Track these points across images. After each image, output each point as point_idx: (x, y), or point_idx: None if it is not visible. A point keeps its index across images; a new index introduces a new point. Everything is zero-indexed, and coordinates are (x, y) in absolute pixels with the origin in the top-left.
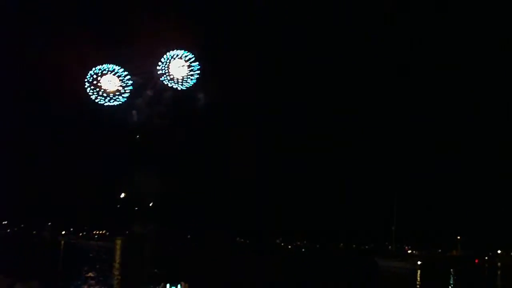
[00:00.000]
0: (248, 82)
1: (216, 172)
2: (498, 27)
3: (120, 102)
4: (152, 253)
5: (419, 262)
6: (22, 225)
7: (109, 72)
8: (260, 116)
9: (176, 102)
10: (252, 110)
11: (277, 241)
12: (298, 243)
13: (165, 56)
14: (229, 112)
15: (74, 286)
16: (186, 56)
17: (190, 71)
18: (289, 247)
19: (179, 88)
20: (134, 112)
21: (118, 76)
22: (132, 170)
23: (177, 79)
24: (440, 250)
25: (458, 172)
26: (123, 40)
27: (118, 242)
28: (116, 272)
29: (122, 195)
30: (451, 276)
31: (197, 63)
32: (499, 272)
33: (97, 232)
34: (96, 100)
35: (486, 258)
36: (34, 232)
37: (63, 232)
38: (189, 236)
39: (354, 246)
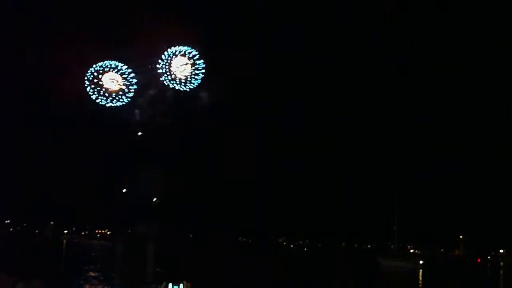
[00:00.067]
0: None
1: (218, 171)
2: (498, 27)
3: (124, 103)
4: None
5: (421, 262)
6: (25, 224)
7: (111, 70)
8: (260, 116)
9: (178, 101)
10: (252, 110)
11: (280, 240)
12: (301, 242)
13: (165, 53)
14: (229, 112)
15: (77, 285)
16: (190, 53)
17: (195, 70)
18: (291, 246)
19: (182, 89)
20: (136, 111)
21: (121, 74)
22: (135, 169)
23: (180, 79)
24: (442, 250)
25: (460, 171)
26: (124, 38)
27: (119, 241)
28: (118, 272)
29: (124, 190)
30: (453, 275)
31: (202, 61)
32: (501, 272)
33: (99, 231)
34: (97, 101)
35: (489, 257)
36: (37, 231)
37: (66, 231)
38: (191, 236)
39: (356, 245)
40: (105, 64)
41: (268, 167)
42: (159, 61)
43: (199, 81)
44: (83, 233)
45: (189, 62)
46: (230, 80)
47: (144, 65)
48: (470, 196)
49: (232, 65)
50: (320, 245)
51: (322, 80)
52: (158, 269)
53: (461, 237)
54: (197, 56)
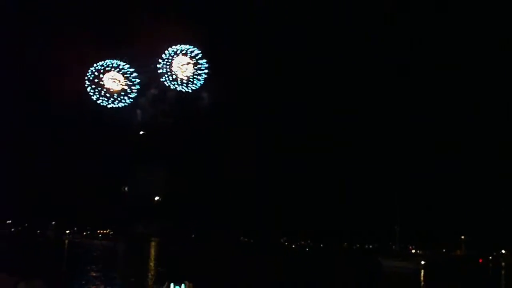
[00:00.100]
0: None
1: (219, 171)
2: (498, 27)
3: (126, 104)
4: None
5: (422, 262)
6: (26, 224)
7: (113, 69)
8: (260, 116)
9: (180, 101)
10: (252, 110)
11: (281, 240)
12: (302, 242)
13: (166, 52)
14: (230, 112)
15: (78, 285)
16: (192, 52)
17: (197, 70)
18: (293, 246)
19: (184, 90)
20: (138, 111)
21: (124, 74)
22: (136, 169)
23: (182, 79)
24: (444, 250)
25: (462, 171)
26: (125, 37)
27: (121, 241)
28: (120, 272)
29: (126, 188)
30: (455, 276)
31: (204, 60)
32: (503, 272)
33: (101, 231)
34: (98, 102)
35: (490, 258)
36: (38, 231)
37: (67, 231)
38: (193, 236)
39: (357, 246)
40: (106, 63)
41: (268, 167)
42: (159, 60)
43: (202, 82)
44: (84, 233)
45: (191, 62)
46: (231, 80)
47: (145, 64)
48: (471, 196)
49: (233, 65)
50: (321, 245)
51: (322, 80)
52: (160, 269)
53: (462, 237)
54: (199, 55)
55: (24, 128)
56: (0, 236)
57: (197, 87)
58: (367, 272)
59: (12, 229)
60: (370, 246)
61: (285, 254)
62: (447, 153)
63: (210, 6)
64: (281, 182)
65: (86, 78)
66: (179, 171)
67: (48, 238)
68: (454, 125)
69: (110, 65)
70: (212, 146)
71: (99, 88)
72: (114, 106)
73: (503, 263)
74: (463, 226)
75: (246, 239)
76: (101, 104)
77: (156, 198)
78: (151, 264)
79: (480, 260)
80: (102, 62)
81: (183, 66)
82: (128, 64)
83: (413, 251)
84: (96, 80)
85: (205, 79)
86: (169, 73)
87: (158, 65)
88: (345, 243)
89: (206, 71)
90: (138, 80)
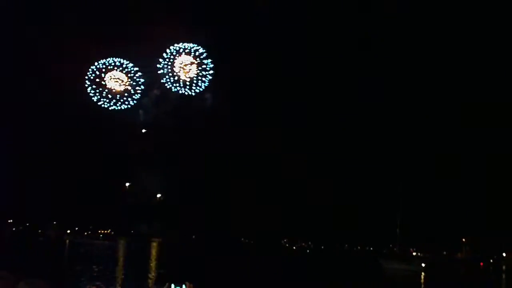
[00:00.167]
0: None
1: (220, 171)
2: (498, 27)
3: (129, 106)
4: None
5: (423, 264)
6: (27, 224)
7: (116, 68)
8: (260, 116)
9: (183, 102)
10: (252, 110)
11: (282, 242)
12: (303, 244)
13: (168, 51)
14: (231, 113)
15: (79, 285)
16: (196, 51)
17: (202, 70)
18: (294, 248)
19: (186, 93)
20: (141, 111)
21: (127, 73)
22: (138, 170)
23: (184, 81)
24: (445, 253)
25: (462, 173)
26: (126, 38)
27: (122, 241)
28: (121, 272)
29: (127, 184)
30: (456, 278)
31: (209, 60)
32: (504, 276)
33: (102, 231)
34: (99, 103)
35: (491, 261)
36: (40, 230)
37: (68, 231)
38: (193, 237)
39: (358, 247)
40: (108, 61)
41: (269, 167)
42: (160, 60)
43: (206, 84)
44: (85, 233)
45: (195, 62)
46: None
47: (148, 64)
48: (473, 199)
49: (234, 66)
50: (322, 247)
51: (322, 80)
52: (160, 270)
53: (464, 240)
54: (204, 55)
55: (25, 128)
56: (1, 235)
57: (202, 89)
58: (368, 274)
59: (13, 229)
60: (371, 248)
61: (286, 256)
62: (447, 154)
63: (210, 6)
64: (282, 182)
65: (86, 77)
66: (180, 171)
67: (49, 237)
68: (453, 126)
69: (113, 64)
70: (214, 146)
71: (101, 89)
72: (116, 108)
73: (504, 266)
74: (464, 229)
75: (247, 240)
76: (103, 106)
77: (158, 195)
78: (152, 264)
79: (481, 263)
80: (104, 60)
81: (186, 66)
82: (132, 63)
83: (414, 253)
84: (97, 80)
85: (209, 80)
86: (170, 75)
87: (159, 65)
88: (346, 245)
89: (211, 72)
90: (142, 80)
